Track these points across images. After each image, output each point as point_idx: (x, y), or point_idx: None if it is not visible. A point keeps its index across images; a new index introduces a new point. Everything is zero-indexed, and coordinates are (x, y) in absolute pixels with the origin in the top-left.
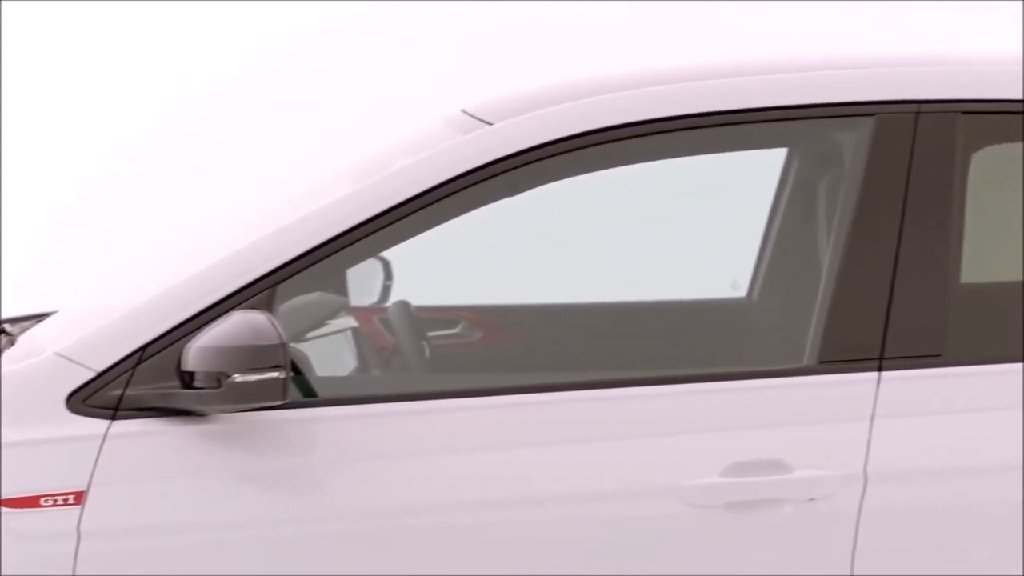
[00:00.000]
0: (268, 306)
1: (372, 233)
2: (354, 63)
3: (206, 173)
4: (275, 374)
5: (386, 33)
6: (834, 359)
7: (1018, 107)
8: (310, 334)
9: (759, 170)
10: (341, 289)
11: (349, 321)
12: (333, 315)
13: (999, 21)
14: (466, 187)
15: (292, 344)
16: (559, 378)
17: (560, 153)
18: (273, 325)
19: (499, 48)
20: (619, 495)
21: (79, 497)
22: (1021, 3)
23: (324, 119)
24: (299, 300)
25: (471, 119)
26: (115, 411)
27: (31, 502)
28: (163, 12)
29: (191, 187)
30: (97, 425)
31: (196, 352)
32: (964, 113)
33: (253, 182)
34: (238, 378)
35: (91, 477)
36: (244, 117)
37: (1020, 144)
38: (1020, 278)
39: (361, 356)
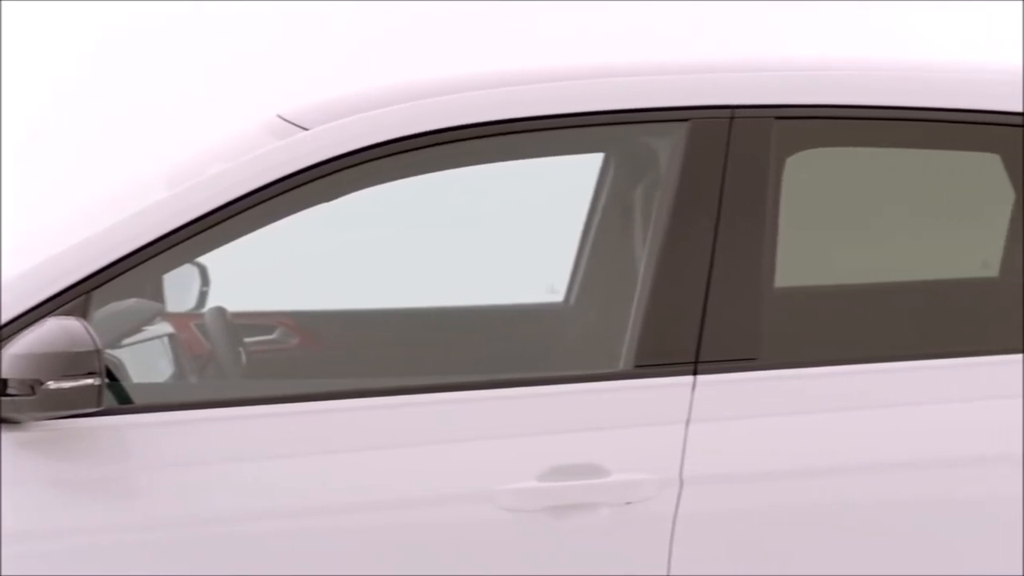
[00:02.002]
0: (83, 312)
1: (188, 238)
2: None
3: (63, 178)
4: (90, 381)
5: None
6: (650, 363)
7: (831, 111)
8: (126, 340)
9: (576, 175)
10: (157, 295)
11: (165, 327)
12: (149, 321)
13: (999, 21)
14: (282, 192)
15: (107, 351)
16: (376, 383)
17: (376, 158)
18: (88, 331)
19: (334, 50)
20: (436, 500)
21: None
22: (1021, 3)
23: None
24: (115, 306)
25: (287, 124)
26: None
27: None
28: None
29: (47, 190)
30: None
31: (9, 359)
32: (778, 118)
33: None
34: (52, 385)
35: None
36: (91, 118)
37: (833, 148)
38: (834, 281)
39: (177, 362)
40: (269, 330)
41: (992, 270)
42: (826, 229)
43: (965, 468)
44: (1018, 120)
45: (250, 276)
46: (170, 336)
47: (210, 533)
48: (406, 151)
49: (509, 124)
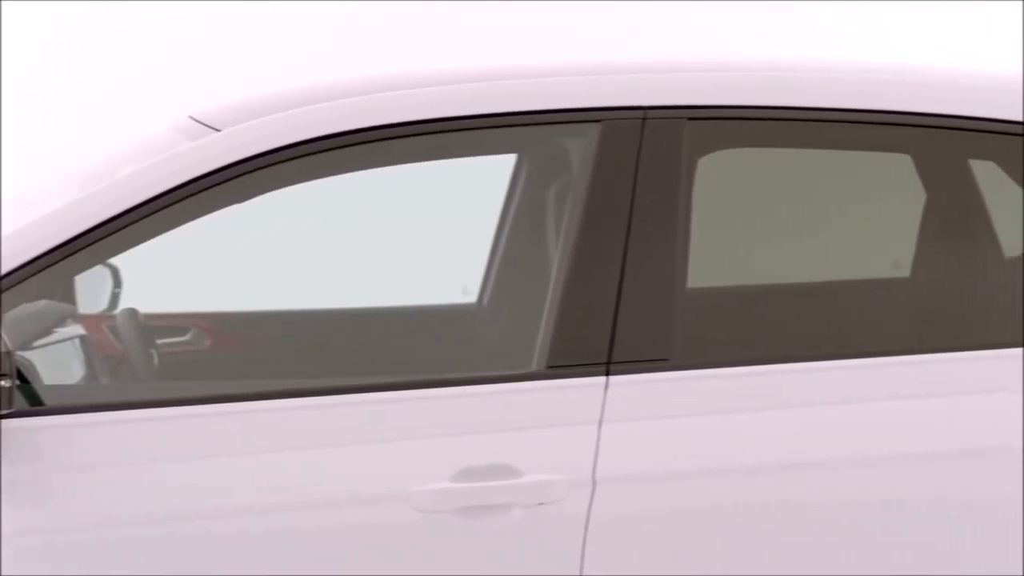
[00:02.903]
0: None
1: (99, 240)
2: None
3: None
4: (0, 383)
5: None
6: (562, 364)
7: (743, 112)
8: (37, 342)
9: (489, 176)
10: (69, 296)
11: (77, 329)
12: (60, 323)
13: (999, 21)
14: (194, 193)
15: (18, 352)
16: (289, 385)
17: (288, 159)
18: None
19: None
20: (349, 502)
21: None
22: (1021, 3)
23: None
24: (25, 308)
25: (199, 125)
26: None
27: None
28: None
29: None
30: None
31: None
32: (690, 119)
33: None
34: None
35: None
36: None
37: (746, 149)
38: (746, 282)
39: (89, 364)
40: (182, 331)
41: (903, 270)
42: (738, 230)
43: (875, 467)
44: (928, 121)
45: (163, 278)
46: (82, 338)
47: (122, 536)
48: (318, 152)
49: (422, 125)
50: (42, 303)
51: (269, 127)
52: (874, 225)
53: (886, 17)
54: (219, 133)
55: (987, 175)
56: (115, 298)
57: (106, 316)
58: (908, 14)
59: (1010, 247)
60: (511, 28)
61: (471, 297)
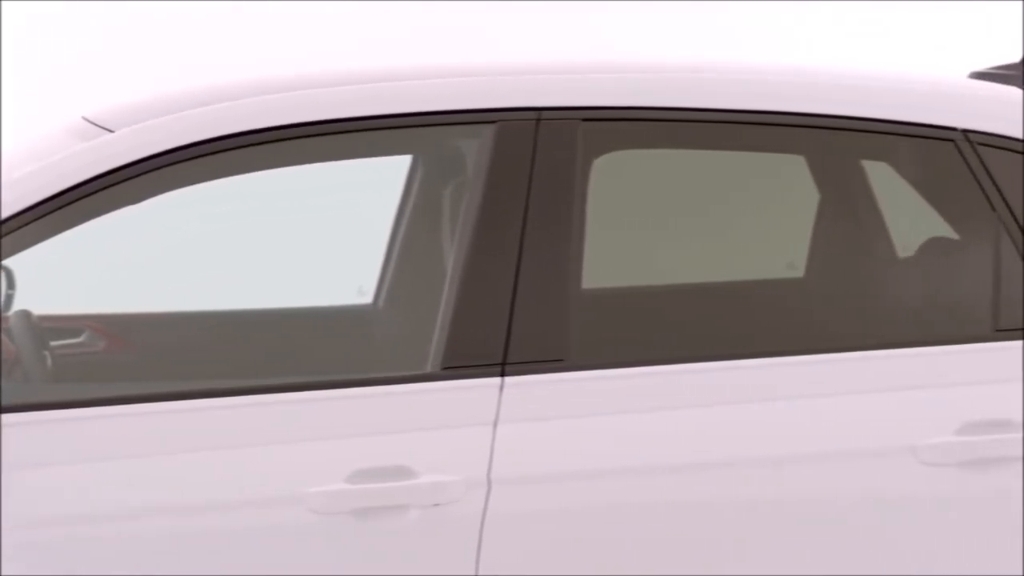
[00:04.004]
0: None
1: None
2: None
3: None
4: None
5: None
6: (457, 365)
7: (637, 114)
8: None
9: (385, 177)
10: None
11: None
12: None
13: (999, 21)
14: (87, 195)
15: None
16: (184, 386)
17: (182, 160)
18: None
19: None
20: (244, 504)
21: None
22: (1021, 3)
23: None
24: None
25: (92, 126)
26: None
27: None
28: None
29: None
30: None
31: None
32: (584, 120)
33: None
34: None
35: None
36: None
37: (640, 150)
38: (641, 282)
39: None
40: (76, 333)
41: (797, 270)
42: (633, 231)
43: (771, 467)
44: (821, 122)
45: (57, 279)
46: None
47: (11, 540)
48: (213, 153)
49: (317, 126)
50: None
51: (163, 128)
52: (768, 226)
53: (885, 17)
54: (113, 134)
55: (880, 176)
56: (9, 300)
57: None
58: (908, 14)
59: (903, 247)
60: (456, 28)
61: (367, 298)
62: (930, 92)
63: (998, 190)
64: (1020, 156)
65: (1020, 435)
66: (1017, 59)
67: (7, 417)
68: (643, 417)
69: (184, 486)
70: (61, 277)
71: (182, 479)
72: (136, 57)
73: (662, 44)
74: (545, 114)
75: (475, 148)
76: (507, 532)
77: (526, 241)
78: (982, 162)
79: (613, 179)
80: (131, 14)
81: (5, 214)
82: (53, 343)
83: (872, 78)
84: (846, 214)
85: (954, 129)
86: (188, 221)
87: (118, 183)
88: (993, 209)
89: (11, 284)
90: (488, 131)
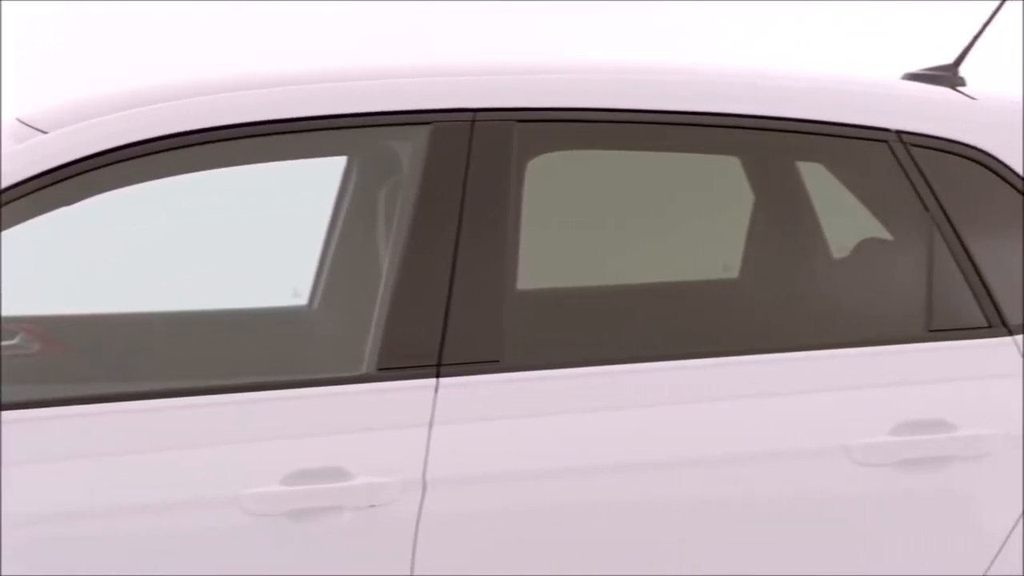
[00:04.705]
0: None
1: None
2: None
3: None
4: None
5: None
6: (392, 366)
7: (572, 115)
8: None
9: (320, 178)
10: None
11: None
12: None
13: (999, 21)
14: (20, 197)
15: None
16: (119, 388)
17: (117, 162)
18: None
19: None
20: (179, 505)
21: None
22: (1021, 3)
23: None
24: None
25: (26, 128)
26: None
27: None
28: None
29: None
30: None
31: None
32: (519, 121)
33: None
34: None
35: None
36: None
37: (575, 151)
38: (577, 283)
39: None
40: (10, 335)
41: (733, 272)
42: (569, 231)
43: (708, 467)
44: (755, 123)
45: None
46: None
47: None
48: (147, 155)
49: (252, 127)
50: None
51: (97, 129)
52: (704, 227)
53: (885, 17)
54: (46, 135)
55: (814, 177)
56: None
57: None
58: (908, 14)
59: (838, 248)
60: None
61: (302, 299)
62: (863, 93)
63: (931, 191)
64: (953, 156)
65: (954, 435)
66: (950, 60)
67: None
68: (578, 418)
69: (118, 488)
70: None
71: (116, 481)
72: (98, 57)
73: (621, 45)
74: (480, 115)
75: (410, 149)
76: (442, 533)
77: (461, 242)
78: (915, 163)
79: (548, 180)
80: (95, 13)
81: None
82: None
83: (806, 79)
84: (781, 215)
85: (887, 130)
86: (122, 223)
87: (51, 184)
88: (926, 210)
89: None
90: (423, 132)
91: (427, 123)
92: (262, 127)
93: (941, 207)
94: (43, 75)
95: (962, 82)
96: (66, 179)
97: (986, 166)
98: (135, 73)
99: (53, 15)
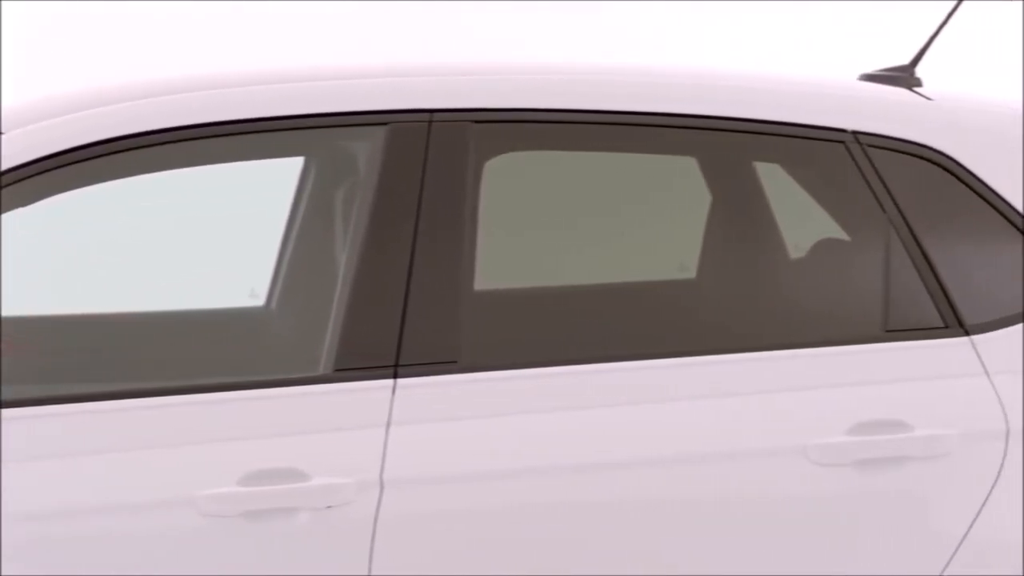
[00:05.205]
0: None
1: None
2: None
3: None
4: None
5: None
6: (350, 367)
7: (528, 115)
8: None
9: (277, 179)
10: None
11: None
12: None
13: (999, 21)
14: None
15: None
16: (74, 389)
17: (74, 162)
18: None
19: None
20: (135, 507)
21: None
22: (1021, 3)
23: None
24: None
25: None
26: None
27: None
28: None
29: None
30: None
31: None
32: (475, 122)
33: None
34: None
35: None
36: None
37: (532, 152)
38: (534, 284)
39: None
40: None
41: (690, 272)
42: (526, 232)
43: (664, 467)
44: (713, 123)
45: None
46: None
47: None
48: (105, 155)
49: (210, 128)
50: None
51: (55, 130)
52: (661, 227)
53: (885, 17)
54: (3, 136)
55: (771, 177)
56: None
57: None
58: (907, 14)
59: (795, 248)
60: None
61: (259, 300)
62: (820, 94)
63: (888, 191)
64: (909, 157)
65: (910, 435)
66: (907, 61)
67: None
68: (536, 418)
69: (75, 489)
70: None
71: (70, 483)
72: (89, 57)
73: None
74: (437, 116)
75: (367, 150)
76: (399, 534)
77: (418, 243)
78: (872, 163)
79: (505, 180)
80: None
81: None
82: None
83: (763, 80)
84: (738, 216)
85: (844, 131)
86: (79, 224)
87: (9, 185)
88: (883, 210)
89: None
90: (380, 133)
91: (384, 124)
92: (219, 128)
93: (898, 208)
94: (29, 76)
95: (919, 83)
96: (23, 180)
97: (942, 167)
98: (128, 72)
99: (38, 14)
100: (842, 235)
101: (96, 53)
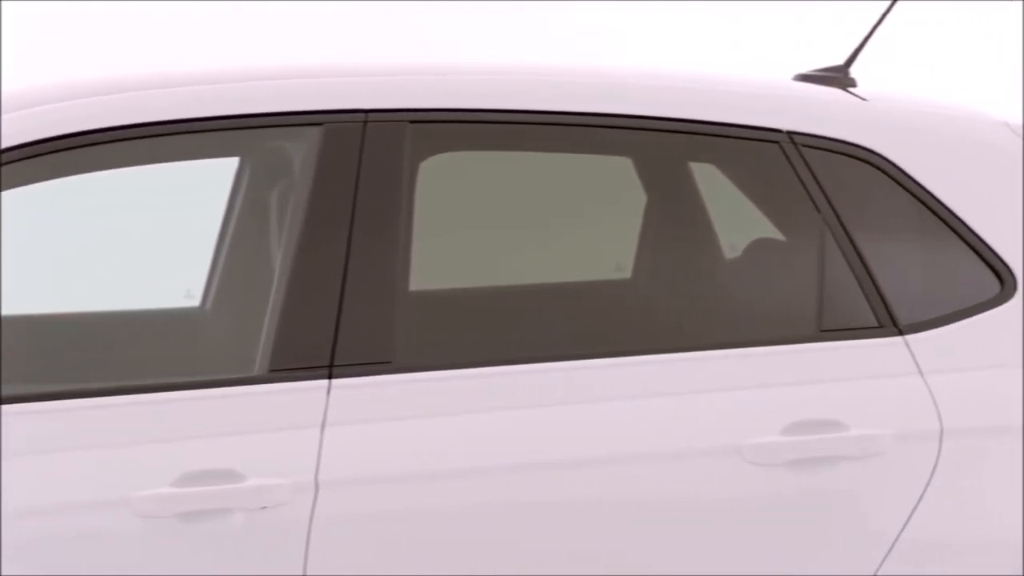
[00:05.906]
0: None
1: None
2: None
3: None
4: None
5: None
6: (284, 367)
7: (463, 116)
8: None
9: (212, 179)
10: None
11: None
12: None
13: (999, 21)
14: None
15: None
16: (8, 391)
17: (11, 161)
18: None
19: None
20: (69, 508)
21: None
22: (1021, 3)
23: None
24: None
25: None
26: None
27: None
28: None
29: None
30: None
31: None
32: (411, 122)
33: None
34: None
35: None
36: None
37: (468, 152)
38: (469, 284)
39: None
40: None
41: (625, 272)
42: (461, 232)
43: (598, 467)
44: (648, 124)
45: None
46: None
47: None
48: (41, 155)
49: (145, 128)
50: None
51: (8, 126)
52: (596, 227)
53: (711, 20)
54: None
55: (706, 177)
56: None
57: None
58: (907, 14)
59: (730, 248)
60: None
61: (194, 301)
62: (755, 94)
63: (822, 191)
64: (843, 157)
65: (845, 435)
66: (841, 62)
67: None
68: (471, 418)
69: (9, 490)
70: None
71: (7, 483)
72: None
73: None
74: (372, 116)
75: (302, 150)
76: (335, 534)
77: (353, 243)
78: (806, 163)
79: (441, 181)
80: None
81: None
82: None
83: (698, 80)
84: (673, 216)
85: (779, 131)
86: (13, 224)
87: None
88: (818, 210)
89: None
90: (315, 133)
91: (319, 124)
92: (155, 128)
93: (832, 208)
94: (29, 76)
95: (853, 83)
96: None
97: (876, 167)
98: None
99: (38, 14)
100: (777, 235)
101: (96, 53)
